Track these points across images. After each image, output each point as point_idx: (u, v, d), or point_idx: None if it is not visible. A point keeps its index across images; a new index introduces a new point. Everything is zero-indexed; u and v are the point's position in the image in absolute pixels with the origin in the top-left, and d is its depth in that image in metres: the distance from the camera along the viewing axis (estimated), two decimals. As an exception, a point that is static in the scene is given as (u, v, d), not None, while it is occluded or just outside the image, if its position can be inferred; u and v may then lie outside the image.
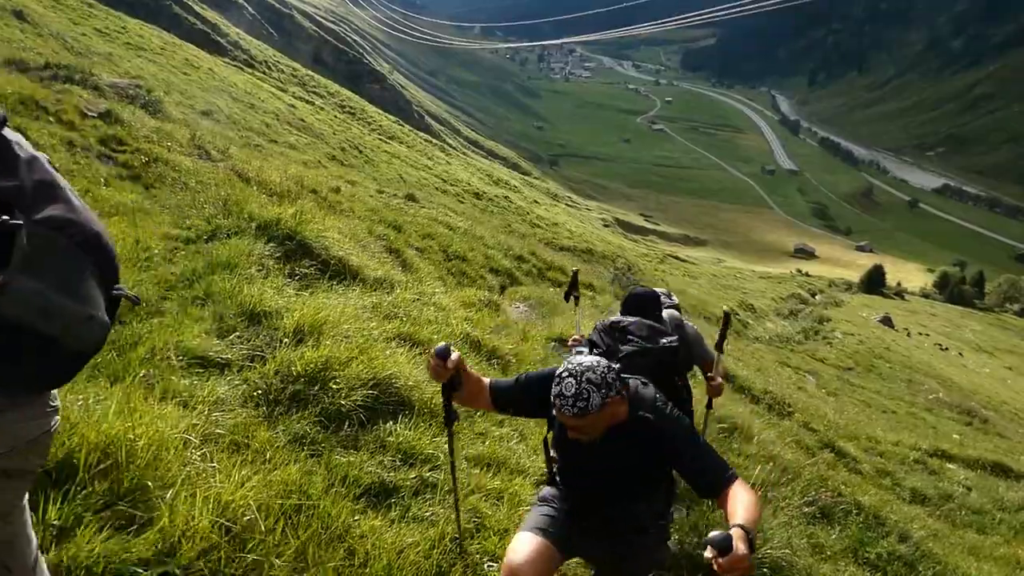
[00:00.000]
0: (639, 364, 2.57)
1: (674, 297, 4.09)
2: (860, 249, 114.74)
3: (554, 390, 2.18)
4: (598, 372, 2.19)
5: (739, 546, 1.76)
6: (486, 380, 2.56)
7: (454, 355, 2.37)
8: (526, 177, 71.70)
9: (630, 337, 2.67)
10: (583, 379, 2.15)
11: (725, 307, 4.05)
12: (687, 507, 4.03)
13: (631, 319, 2.77)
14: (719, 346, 3.70)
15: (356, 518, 2.65)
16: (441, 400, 2.49)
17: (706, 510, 4.05)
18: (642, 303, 3.33)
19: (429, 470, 3.16)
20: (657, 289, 3.91)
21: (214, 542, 2.17)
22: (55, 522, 1.99)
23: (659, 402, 2.32)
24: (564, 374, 2.19)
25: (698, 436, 2.31)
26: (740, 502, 2.05)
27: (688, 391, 3.00)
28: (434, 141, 52.86)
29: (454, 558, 2.69)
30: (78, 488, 2.11)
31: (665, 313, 3.63)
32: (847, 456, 8.42)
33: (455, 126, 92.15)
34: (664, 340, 2.70)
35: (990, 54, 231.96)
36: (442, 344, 2.39)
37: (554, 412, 2.22)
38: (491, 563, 2.74)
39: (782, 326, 28.33)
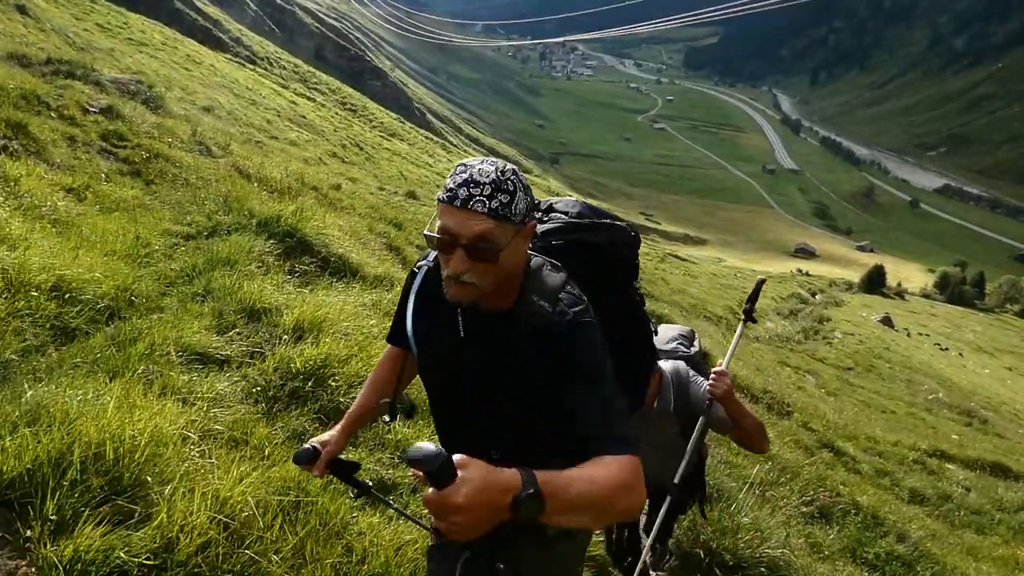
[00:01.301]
0: (561, 248, 1.73)
1: (697, 342, 3.08)
2: (861, 249, 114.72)
3: (455, 180, 1.44)
4: (523, 179, 1.50)
5: (465, 483, 1.08)
6: (390, 349, 1.97)
7: (322, 454, 1.82)
8: (527, 175, 71.66)
9: (555, 214, 1.83)
10: (508, 170, 1.46)
11: (759, 277, 3.36)
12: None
13: (572, 199, 1.92)
14: (748, 314, 2.95)
15: (354, 515, 2.65)
16: None
17: (705, 508, 4.04)
18: None
19: (428, 467, 3.16)
20: (672, 328, 3.11)
21: (212, 538, 2.17)
22: (53, 516, 2.00)
23: (566, 294, 1.54)
24: (474, 162, 1.47)
25: (605, 377, 1.47)
26: (587, 468, 1.29)
27: (644, 315, 1.95)
28: (435, 139, 52.87)
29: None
30: (76, 483, 2.11)
31: (666, 365, 2.81)
32: (846, 456, 8.44)
33: (456, 124, 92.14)
34: (608, 220, 1.83)
35: (992, 53, 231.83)
36: (300, 451, 1.86)
37: (439, 218, 1.46)
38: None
39: (782, 326, 28.31)
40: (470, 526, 1.09)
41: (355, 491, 1.98)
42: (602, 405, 1.43)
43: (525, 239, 1.52)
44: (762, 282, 3.09)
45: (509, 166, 1.48)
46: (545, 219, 1.81)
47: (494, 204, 1.41)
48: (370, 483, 2.02)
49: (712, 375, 2.61)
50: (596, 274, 1.72)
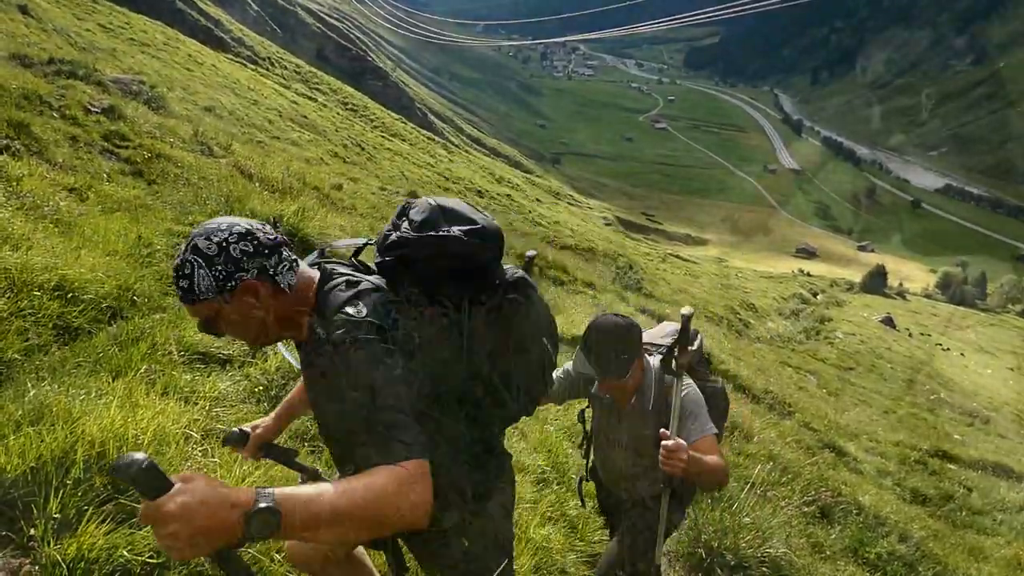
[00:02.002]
0: (390, 265, 1.63)
1: (699, 340, 2.75)
2: (862, 249, 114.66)
3: None
4: (219, 238, 1.42)
5: (181, 492, 1.03)
6: None
7: (251, 438, 1.99)
8: (528, 175, 71.63)
9: (404, 223, 1.68)
10: (191, 246, 1.42)
11: (684, 309, 2.54)
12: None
13: (428, 201, 1.71)
14: (669, 363, 2.56)
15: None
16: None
17: (705, 507, 4.04)
18: (600, 340, 2.39)
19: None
20: (673, 325, 2.85)
21: (215, 537, 2.17)
22: (56, 515, 2.00)
23: (341, 315, 1.42)
24: (195, 234, 1.46)
25: (374, 396, 1.34)
26: (348, 480, 1.22)
27: None
28: (436, 139, 52.85)
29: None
30: (79, 481, 2.12)
31: (654, 360, 2.64)
32: (848, 456, 8.43)
33: (457, 124, 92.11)
34: (455, 230, 1.62)
35: (993, 53, 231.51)
36: (229, 433, 1.98)
37: None
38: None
39: (783, 326, 28.29)
40: (188, 540, 1.01)
41: (303, 476, 2.03)
42: (373, 421, 1.33)
43: (248, 298, 1.46)
44: (688, 318, 2.53)
45: (196, 240, 1.42)
46: (402, 225, 1.69)
47: (179, 293, 1.45)
48: (318, 468, 2.08)
49: (662, 452, 2.24)
50: (435, 286, 1.64)
